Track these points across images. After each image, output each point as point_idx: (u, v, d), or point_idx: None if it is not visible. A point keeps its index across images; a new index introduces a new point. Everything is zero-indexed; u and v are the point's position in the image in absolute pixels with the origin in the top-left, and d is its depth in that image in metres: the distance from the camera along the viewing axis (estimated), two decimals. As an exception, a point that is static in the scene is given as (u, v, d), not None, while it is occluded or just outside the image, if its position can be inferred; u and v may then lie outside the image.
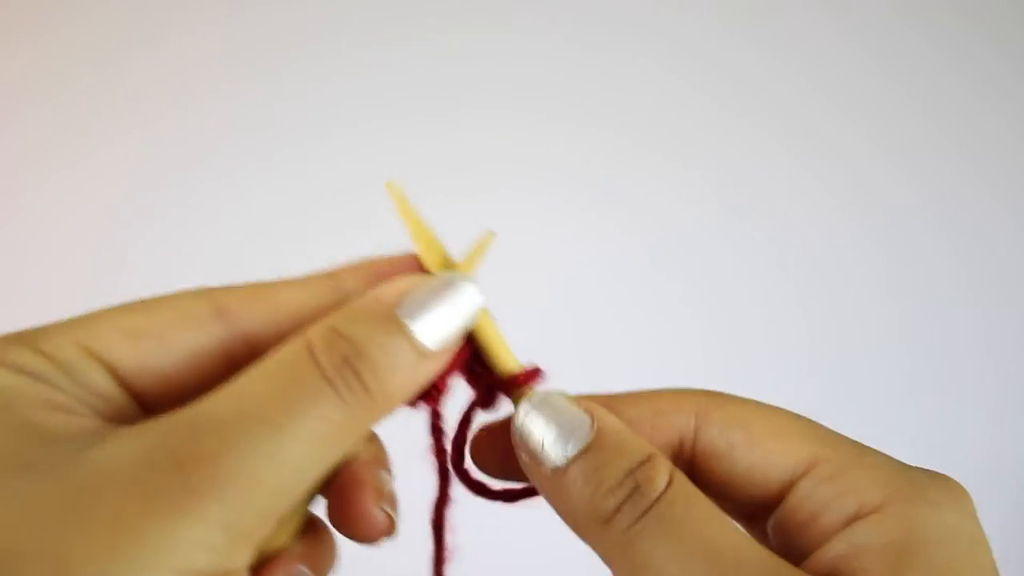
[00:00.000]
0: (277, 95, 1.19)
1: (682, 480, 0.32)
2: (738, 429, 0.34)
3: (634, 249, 1.17)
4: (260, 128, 1.17)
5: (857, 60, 1.22)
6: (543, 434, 0.32)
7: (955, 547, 0.30)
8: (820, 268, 1.19)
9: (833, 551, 0.31)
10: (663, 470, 0.31)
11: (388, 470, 0.35)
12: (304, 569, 0.34)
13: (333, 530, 0.36)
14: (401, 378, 0.31)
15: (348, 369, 0.29)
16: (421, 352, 0.31)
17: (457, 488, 0.37)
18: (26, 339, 0.30)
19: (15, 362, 0.29)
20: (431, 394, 0.34)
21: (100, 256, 1.12)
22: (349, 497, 0.33)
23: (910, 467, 0.33)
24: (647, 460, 0.32)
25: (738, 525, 0.32)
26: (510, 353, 0.35)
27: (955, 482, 0.33)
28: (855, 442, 0.34)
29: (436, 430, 0.35)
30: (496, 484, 0.37)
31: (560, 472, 0.32)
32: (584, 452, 0.32)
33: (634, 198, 1.18)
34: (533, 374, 0.34)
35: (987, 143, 1.22)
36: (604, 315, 1.18)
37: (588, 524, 0.32)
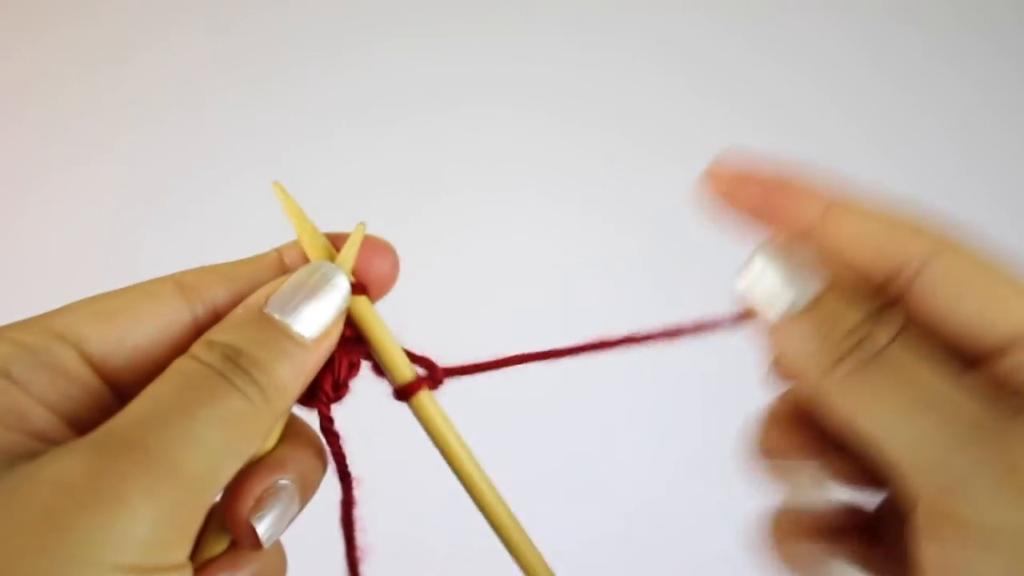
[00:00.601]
0: (279, 97, 1.20)
1: (911, 330, 0.32)
2: (969, 276, 0.33)
3: (633, 249, 1.17)
4: (262, 130, 1.18)
5: (857, 60, 1.21)
6: (775, 281, 0.33)
7: None
8: None
9: None
10: (893, 318, 0.32)
11: (297, 473, 0.35)
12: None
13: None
14: (287, 368, 0.32)
15: (233, 364, 0.31)
16: (298, 342, 0.32)
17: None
18: None
19: None
20: (319, 397, 0.34)
21: (103, 260, 1.13)
22: (228, 504, 0.33)
23: None
24: (880, 310, 0.32)
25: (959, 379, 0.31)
26: (400, 358, 0.36)
27: None
28: None
29: (329, 433, 0.34)
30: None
31: (789, 322, 0.33)
32: (819, 299, 0.33)
33: (633, 198, 1.18)
34: (420, 383, 0.35)
35: (987, 143, 1.21)
36: (603, 315, 1.17)
37: (815, 373, 0.32)
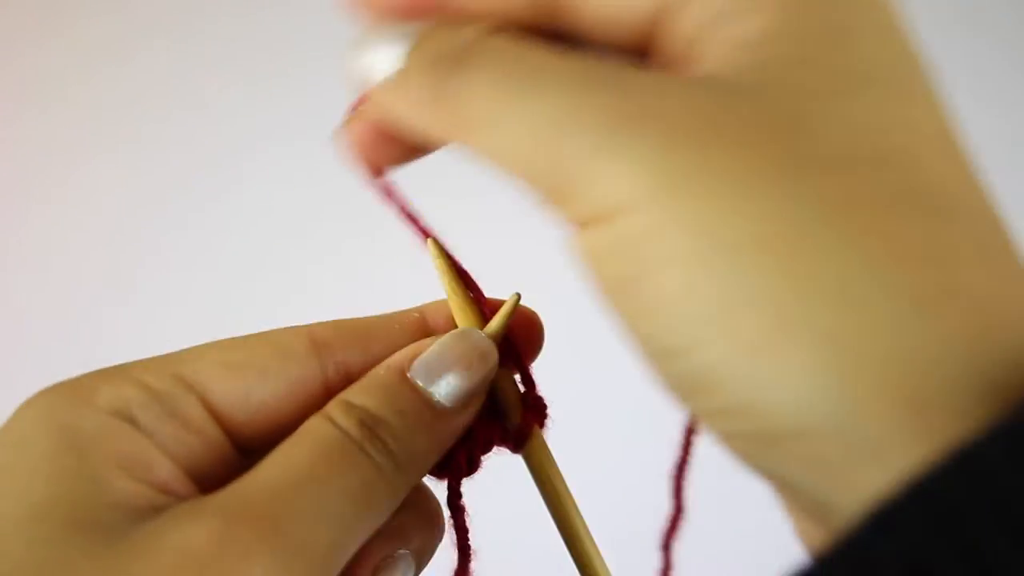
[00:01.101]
0: (281, 100, 1.18)
1: (507, 34, 0.26)
2: None
3: None
4: (264, 132, 1.17)
5: None
6: (374, 54, 0.28)
7: (839, 13, 0.24)
8: None
9: (713, 58, 0.24)
10: (483, 27, 0.26)
11: (415, 543, 0.33)
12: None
13: None
14: (422, 439, 0.31)
15: (367, 431, 0.30)
16: (438, 412, 0.31)
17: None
18: (125, 370, 0.30)
19: (108, 401, 0.29)
20: (451, 469, 0.33)
21: (105, 261, 1.11)
22: (349, 571, 0.31)
23: None
24: (470, 26, 0.26)
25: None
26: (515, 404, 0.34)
27: None
28: None
29: (455, 508, 0.33)
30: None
31: (391, 79, 0.27)
32: (409, 51, 0.27)
33: None
34: (532, 421, 0.34)
35: (987, 144, 1.21)
36: (600, 315, 1.18)
37: (425, 110, 0.26)
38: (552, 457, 0.34)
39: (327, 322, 0.34)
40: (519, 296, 0.34)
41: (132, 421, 0.29)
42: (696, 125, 0.22)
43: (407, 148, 0.32)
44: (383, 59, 0.28)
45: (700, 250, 0.22)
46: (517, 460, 0.36)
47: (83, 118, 1.15)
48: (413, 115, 0.28)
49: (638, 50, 0.27)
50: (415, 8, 0.28)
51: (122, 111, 1.15)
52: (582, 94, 0.23)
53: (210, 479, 0.30)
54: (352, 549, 0.29)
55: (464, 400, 0.31)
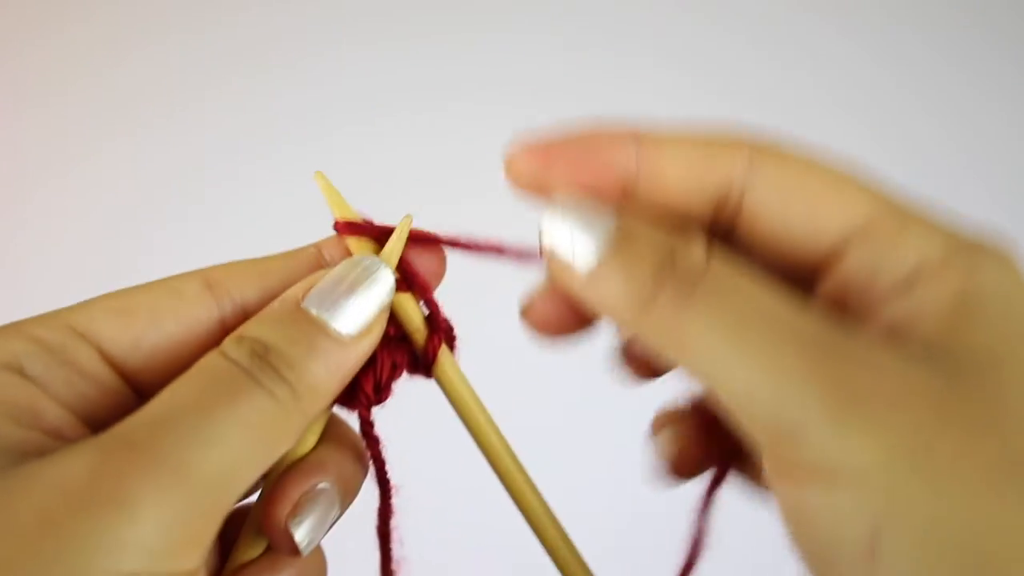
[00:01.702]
0: (278, 95, 1.19)
1: (723, 253, 0.29)
2: (792, 182, 0.31)
3: None
4: (261, 128, 1.17)
5: (857, 60, 1.20)
6: (571, 238, 0.30)
7: (1016, 303, 0.28)
8: None
9: (890, 313, 0.29)
10: (700, 244, 0.29)
11: (337, 477, 0.33)
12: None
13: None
14: (320, 366, 0.30)
15: (262, 361, 0.29)
16: (335, 339, 0.30)
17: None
18: (17, 326, 0.30)
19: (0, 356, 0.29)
20: (359, 399, 0.33)
21: (104, 259, 1.11)
22: (264, 508, 0.32)
23: (967, 230, 0.30)
24: (682, 238, 0.29)
25: (786, 292, 0.29)
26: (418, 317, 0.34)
27: (1007, 249, 0.30)
28: (913, 203, 0.31)
29: (369, 437, 0.33)
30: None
31: (595, 271, 0.30)
32: (615, 244, 0.30)
33: None
34: (439, 341, 0.33)
35: (987, 143, 1.20)
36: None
37: (633, 314, 0.29)
38: (463, 377, 0.34)
39: (222, 264, 0.33)
40: (411, 217, 0.34)
41: (20, 372, 0.29)
42: (920, 406, 0.26)
43: (587, 322, 0.34)
44: (579, 242, 0.30)
45: (928, 541, 0.24)
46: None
47: (82, 114, 1.15)
48: (616, 312, 0.30)
49: (811, 267, 0.31)
50: (599, 191, 0.31)
51: (121, 107, 1.16)
52: (811, 361, 0.26)
53: (110, 422, 0.30)
54: (247, 479, 0.28)
55: (362, 326, 0.31)
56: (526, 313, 0.34)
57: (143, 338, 0.31)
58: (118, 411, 0.31)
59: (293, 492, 0.32)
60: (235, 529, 0.34)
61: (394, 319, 0.33)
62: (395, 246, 0.33)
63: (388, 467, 0.34)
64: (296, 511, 0.31)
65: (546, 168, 0.32)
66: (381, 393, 0.33)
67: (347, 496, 0.34)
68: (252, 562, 0.33)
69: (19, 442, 0.28)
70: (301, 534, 0.31)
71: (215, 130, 1.17)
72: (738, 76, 1.20)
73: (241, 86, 1.18)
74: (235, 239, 1.13)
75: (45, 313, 0.31)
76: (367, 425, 0.33)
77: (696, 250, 0.29)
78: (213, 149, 1.17)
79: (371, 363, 0.32)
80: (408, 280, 0.34)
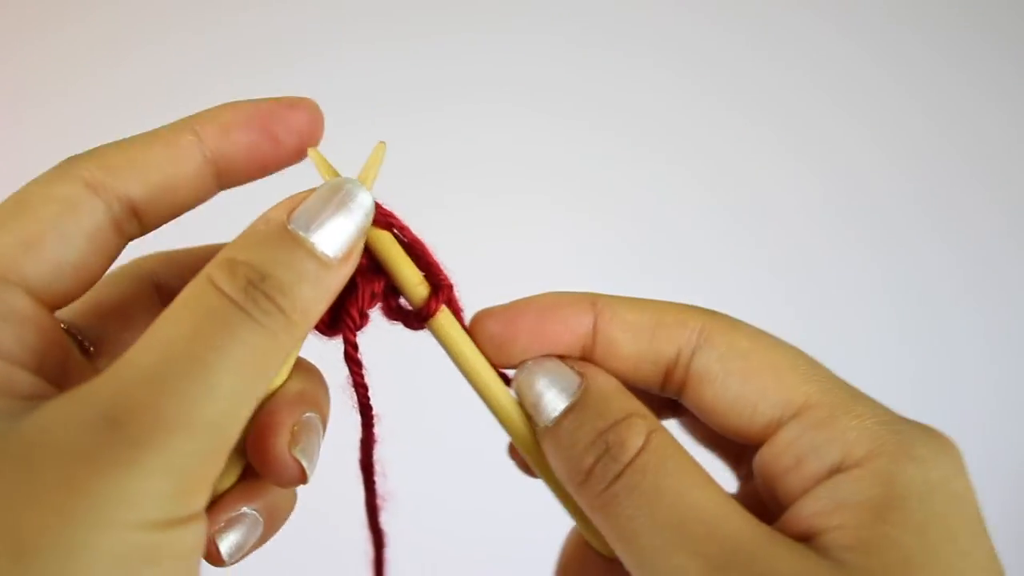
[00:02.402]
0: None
1: (660, 441, 0.31)
2: (737, 357, 0.33)
3: (627, 250, 1.16)
4: None
5: (857, 60, 1.21)
6: (538, 392, 0.33)
7: (936, 504, 0.29)
8: (815, 269, 1.18)
9: (811, 507, 0.30)
10: (638, 431, 0.31)
11: (316, 406, 0.34)
12: (250, 510, 0.33)
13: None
14: (310, 290, 0.30)
15: (256, 292, 0.29)
16: (323, 262, 0.30)
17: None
18: None
19: None
20: (345, 322, 0.33)
21: None
22: (263, 440, 0.32)
23: (902, 420, 0.32)
24: (623, 419, 0.32)
25: (718, 486, 0.31)
26: (414, 275, 0.34)
27: (945, 437, 0.32)
28: (852, 389, 0.33)
29: (353, 361, 0.33)
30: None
31: (550, 430, 0.33)
32: (569, 410, 0.32)
33: (630, 199, 1.17)
34: (439, 301, 0.34)
35: (987, 143, 1.20)
36: None
37: (571, 481, 0.32)
38: (464, 334, 0.35)
39: (91, 156, 0.32)
40: (384, 144, 0.34)
41: None
42: None
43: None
44: (546, 397, 0.33)
45: None
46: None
47: (82, 114, 1.16)
48: (561, 476, 0.33)
49: (749, 438, 0.33)
50: (559, 351, 0.34)
51: (121, 107, 1.16)
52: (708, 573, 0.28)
53: (53, 361, 0.30)
54: (246, 415, 0.29)
55: (345, 249, 0.31)
56: (511, 453, 0.38)
57: (59, 263, 0.31)
58: (56, 345, 0.31)
59: (287, 421, 0.32)
60: None
61: (366, 250, 0.33)
62: (371, 170, 0.34)
63: (370, 394, 0.34)
64: (296, 439, 0.32)
65: (511, 331, 0.34)
66: (362, 319, 0.33)
67: (325, 423, 0.34)
68: (227, 492, 0.33)
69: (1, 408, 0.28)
70: (307, 460, 0.32)
71: None
72: (738, 76, 1.20)
73: (241, 86, 1.18)
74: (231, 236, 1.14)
75: None
76: (352, 348, 0.33)
77: (631, 433, 0.31)
78: None
79: (352, 289, 0.33)
80: (403, 241, 0.34)
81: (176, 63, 1.18)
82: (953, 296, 1.18)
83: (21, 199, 0.31)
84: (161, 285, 0.38)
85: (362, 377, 0.34)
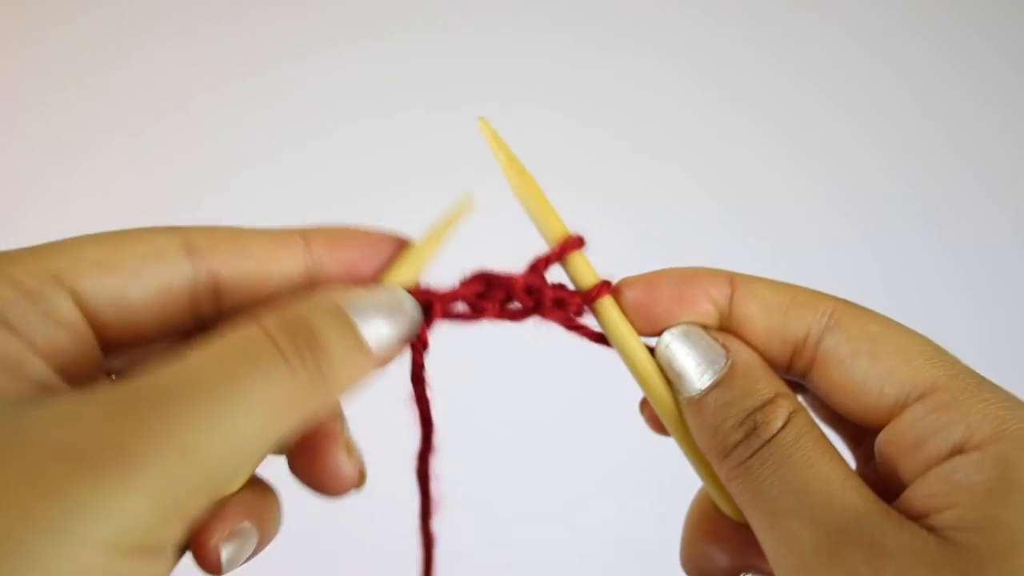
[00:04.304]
0: (278, 95, 1.19)
1: (799, 421, 0.33)
2: (866, 340, 0.34)
3: (628, 250, 1.15)
4: (261, 128, 1.18)
5: (857, 60, 1.22)
6: (683, 363, 0.35)
7: None
8: (815, 268, 1.19)
9: (929, 487, 0.32)
10: (782, 411, 0.33)
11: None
12: (247, 525, 0.33)
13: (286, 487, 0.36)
14: (349, 366, 0.31)
15: (300, 340, 0.29)
16: (363, 349, 0.32)
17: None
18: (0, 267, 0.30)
19: None
20: (415, 345, 0.35)
21: None
22: (318, 449, 0.34)
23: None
24: (770, 401, 0.34)
25: (845, 464, 0.33)
26: (591, 273, 0.38)
27: None
28: (979, 376, 0.34)
29: (418, 380, 0.35)
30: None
31: (695, 401, 0.35)
32: (716, 385, 0.34)
33: (630, 199, 1.19)
34: (605, 287, 0.37)
35: (986, 142, 1.22)
36: None
37: (714, 452, 0.34)
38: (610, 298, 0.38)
39: (204, 227, 0.34)
40: (470, 197, 0.37)
41: (5, 322, 0.29)
42: None
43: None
44: (692, 369, 0.35)
45: None
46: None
47: (82, 114, 1.16)
48: (704, 449, 0.35)
49: (874, 417, 0.35)
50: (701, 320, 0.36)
51: (121, 107, 1.16)
52: (827, 553, 0.30)
53: (75, 373, 0.30)
54: (251, 464, 0.29)
55: (385, 348, 0.33)
56: (643, 410, 0.40)
57: (120, 293, 0.31)
58: (86, 362, 0.31)
59: (338, 432, 0.35)
60: None
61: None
62: (443, 233, 0.37)
63: (432, 408, 0.37)
64: (349, 452, 0.35)
65: (653, 297, 0.37)
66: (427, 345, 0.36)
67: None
68: (232, 500, 0.33)
69: (10, 391, 0.27)
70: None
71: (215, 130, 1.17)
72: (739, 76, 1.21)
73: (241, 86, 1.19)
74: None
75: (28, 249, 0.31)
76: (419, 368, 0.36)
77: (776, 415, 0.33)
78: (213, 149, 1.17)
79: (428, 317, 0.35)
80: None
81: (176, 63, 1.18)
82: (953, 296, 1.20)
83: (126, 231, 0.33)
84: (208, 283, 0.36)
85: (425, 393, 0.36)
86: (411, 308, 0.34)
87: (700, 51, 1.21)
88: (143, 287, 0.32)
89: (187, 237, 0.33)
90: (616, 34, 1.22)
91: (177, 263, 0.32)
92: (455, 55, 1.20)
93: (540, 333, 0.38)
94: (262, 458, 0.30)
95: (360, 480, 0.34)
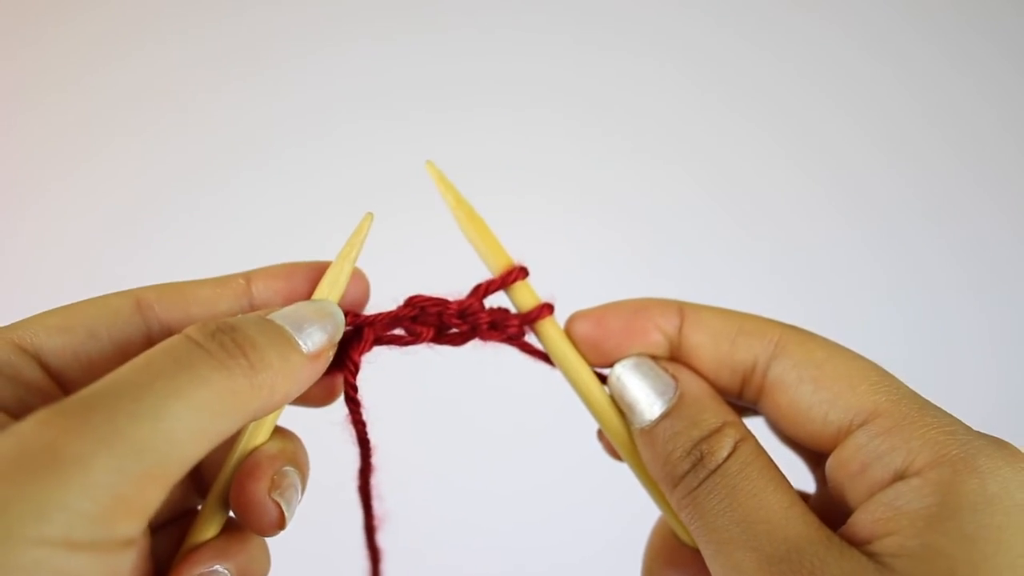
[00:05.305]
0: (278, 95, 1.20)
1: (745, 450, 0.34)
2: (811, 366, 0.35)
3: (627, 250, 1.17)
4: (261, 128, 1.18)
5: (857, 60, 1.21)
6: (634, 394, 0.36)
7: (993, 515, 0.30)
8: (815, 268, 1.19)
9: (871, 513, 0.32)
10: (728, 440, 0.34)
11: (296, 467, 0.36)
12: (222, 569, 0.34)
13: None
14: (280, 359, 0.31)
15: (224, 336, 0.30)
16: (291, 343, 0.33)
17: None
18: None
19: None
20: (346, 365, 0.35)
21: (104, 260, 1.13)
22: (243, 484, 0.34)
23: (971, 431, 0.33)
24: (716, 431, 0.34)
25: (792, 491, 0.33)
26: (533, 297, 0.39)
27: (1014, 449, 0.32)
28: (923, 401, 0.34)
29: (352, 401, 0.35)
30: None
31: (646, 431, 0.35)
32: (665, 415, 0.35)
33: (629, 199, 1.18)
34: (545, 309, 0.38)
35: (986, 142, 1.21)
36: None
37: (664, 481, 0.35)
38: (558, 327, 0.39)
39: (153, 285, 0.36)
40: (371, 216, 0.38)
41: None
42: None
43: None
44: (642, 400, 0.36)
45: None
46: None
47: (82, 114, 1.16)
48: (655, 478, 0.36)
49: (821, 442, 0.35)
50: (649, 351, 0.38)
51: (121, 107, 1.17)
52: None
53: None
54: (190, 451, 0.29)
55: (317, 349, 0.33)
56: (601, 439, 0.41)
57: (80, 352, 0.34)
58: None
59: (268, 469, 0.34)
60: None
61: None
62: (354, 248, 0.38)
63: (368, 429, 0.37)
64: (276, 485, 0.34)
65: (603, 331, 0.37)
66: (358, 367, 0.36)
67: (304, 481, 0.36)
68: (206, 544, 0.34)
69: None
70: (286, 505, 0.34)
71: (215, 130, 1.18)
72: (739, 76, 1.21)
73: (241, 86, 1.19)
74: (236, 238, 1.14)
75: None
76: (352, 389, 0.36)
77: (722, 444, 0.34)
78: (213, 149, 1.17)
79: (357, 337, 0.36)
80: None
81: (176, 63, 1.19)
82: (953, 296, 1.19)
83: (84, 300, 0.36)
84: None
85: (360, 415, 0.36)
86: (332, 308, 0.35)
87: (700, 51, 1.21)
88: (101, 344, 0.35)
89: (137, 296, 0.36)
90: (616, 34, 1.21)
91: (130, 319, 0.35)
92: (455, 55, 1.20)
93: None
94: (209, 447, 0.30)
95: (280, 520, 0.34)
